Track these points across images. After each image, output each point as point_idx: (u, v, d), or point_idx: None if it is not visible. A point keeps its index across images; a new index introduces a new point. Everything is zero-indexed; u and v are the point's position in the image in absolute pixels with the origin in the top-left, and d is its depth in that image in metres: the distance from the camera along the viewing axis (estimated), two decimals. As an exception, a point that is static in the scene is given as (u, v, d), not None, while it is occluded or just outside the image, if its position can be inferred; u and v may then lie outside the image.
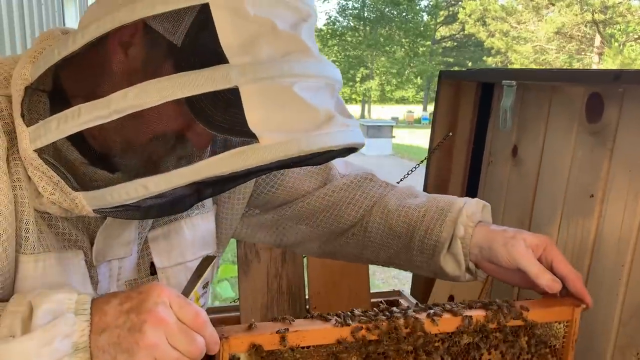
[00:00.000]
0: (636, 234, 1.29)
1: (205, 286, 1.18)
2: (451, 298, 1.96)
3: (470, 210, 1.14)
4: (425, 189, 2.00)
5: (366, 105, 37.98)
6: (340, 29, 37.26)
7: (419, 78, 36.88)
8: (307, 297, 2.00)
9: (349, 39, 36.84)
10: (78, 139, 0.82)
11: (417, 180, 1.94)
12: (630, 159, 1.31)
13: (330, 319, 0.95)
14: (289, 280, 1.95)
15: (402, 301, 2.11)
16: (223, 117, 0.78)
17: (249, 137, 0.74)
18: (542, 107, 1.58)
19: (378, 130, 16.33)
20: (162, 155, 0.83)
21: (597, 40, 26.60)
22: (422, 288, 2.08)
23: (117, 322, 0.75)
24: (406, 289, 2.16)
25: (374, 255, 1.26)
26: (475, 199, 1.18)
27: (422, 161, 2.14)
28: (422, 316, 0.98)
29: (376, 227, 1.21)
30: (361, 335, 0.94)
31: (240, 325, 0.90)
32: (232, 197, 1.16)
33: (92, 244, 0.96)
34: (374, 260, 1.29)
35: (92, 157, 0.85)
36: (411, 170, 2.17)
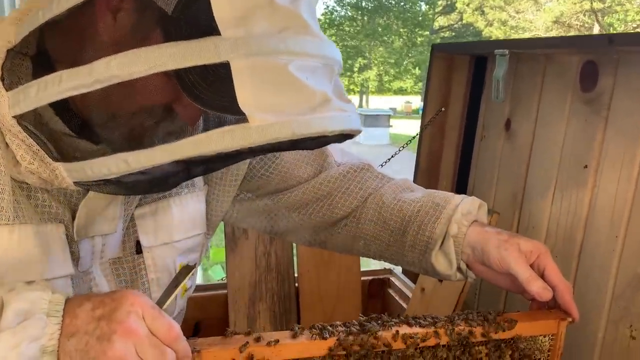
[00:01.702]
0: (630, 204, 1.25)
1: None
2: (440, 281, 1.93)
3: (466, 208, 1.10)
4: (416, 167, 1.96)
5: (364, 96, 37.86)
6: (338, 18, 37.05)
7: (417, 69, 36.74)
8: (296, 275, 1.97)
9: (346, 28, 36.65)
10: (60, 107, 0.78)
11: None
12: (624, 126, 1.27)
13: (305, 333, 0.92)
14: (278, 258, 1.91)
15: (393, 279, 2.08)
16: (212, 94, 0.74)
17: (239, 116, 0.69)
18: (536, 77, 1.54)
19: (375, 119, 16.28)
20: (145, 130, 0.79)
21: (596, 29, 26.51)
22: (414, 267, 2.05)
23: (87, 328, 0.72)
24: (398, 267, 2.13)
25: (365, 247, 1.23)
26: (472, 197, 1.15)
27: (409, 142, 2.10)
28: (402, 329, 0.95)
29: (369, 219, 1.18)
30: (341, 349, 0.91)
31: (215, 338, 0.88)
32: (225, 178, 1.12)
33: (73, 218, 0.92)
34: (365, 252, 1.26)
35: (74, 127, 0.81)
36: (395, 153, 2.14)
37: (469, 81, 1.84)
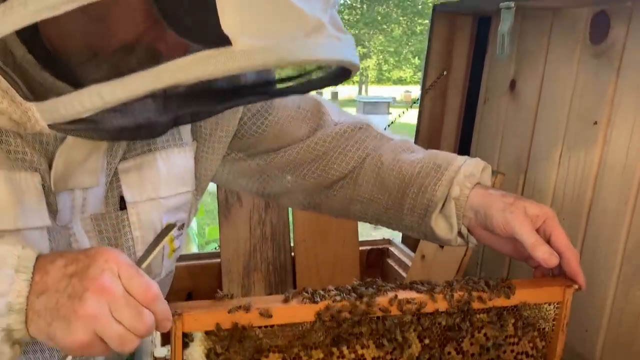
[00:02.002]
0: (643, 160, 1.19)
1: (181, 228, 1.08)
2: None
3: (469, 170, 1.04)
4: (417, 133, 1.90)
5: (363, 86, 37.73)
6: (337, 6, 36.80)
7: (416, 58, 36.57)
8: (292, 245, 1.90)
9: (346, 17, 36.38)
10: (28, 35, 0.70)
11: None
12: (637, 78, 1.20)
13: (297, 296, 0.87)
14: (273, 226, 1.85)
15: (392, 249, 2.02)
16: (192, 17, 0.67)
17: (222, 40, 0.63)
18: (542, 34, 1.47)
19: (374, 106, 16.17)
20: (120, 58, 0.72)
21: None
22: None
23: (59, 285, 0.69)
24: (397, 237, 2.07)
25: (362, 211, 1.17)
26: (476, 158, 1.08)
27: (413, 103, 2.03)
28: (400, 295, 0.89)
29: (367, 181, 1.12)
30: (329, 315, 0.86)
31: (198, 301, 0.84)
32: (214, 134, 1.06)
33: (50, 167, 0.85)
34: (361, 216, 1.19)
35: (45, 59, 0.73)
36: (399, 115, 2.07)
37: (472, 42, 1.77)
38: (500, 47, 1.46)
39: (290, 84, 0.80)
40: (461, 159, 1.07)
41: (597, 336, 1.26)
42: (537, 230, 0.96)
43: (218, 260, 1.84)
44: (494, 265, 1.65)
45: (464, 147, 1.80)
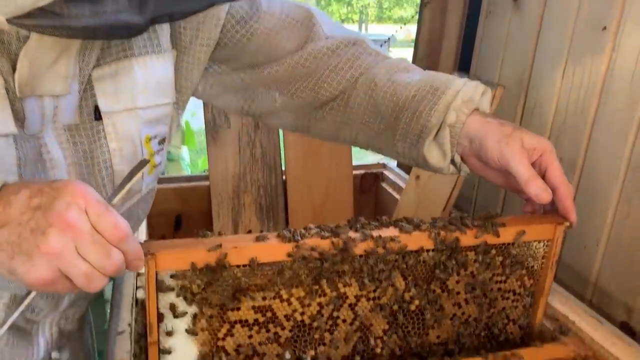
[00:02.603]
0: (654, 66, 1.11)
1: (162, 142, 1.01)
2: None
3: (468, 94, 0.97)
4: (415, 50, 1.80)
5: (363, 25, 36.85)
6: (336, -59, 35.48)
7: (418, -5, 35.50)
8: (283, 168, 1.85)
9: (345, -48, 35.13)
10: None
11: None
12: (653, -24, 1.10)
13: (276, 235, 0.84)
14: (263, 148, 1.79)
15: (386, 173, 1.97)
16: None
17: None
18: None
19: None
20: None
21: None
22: (410, 161, 1.94)
23: (22, 218, 0.65)
24: (392, 161, 2.01)
25: (352, 135, 1.10)
26: (476, 82, 1.00)
27: (406, 22, 1.91)
28: (383, 233, 0.86)
29: (359, 103, 1.05)
30: (310, 254, 0.82)
31: (172, 240, 0.81)
32: (195, 43, 0.98)
33: (15, 70, 0.77)
34: (351, 141, 1.12)
35: None
36: (396, 31, 1.96)
37: (475, -50, 1.65)
38: (505, -52, 1.35)
39: None
40: (460, 82, 0.99)
41: (596, 253, 1.22)
42: (533, 164, 0.92)
43: (207, 182, 1.78)
44: (490, 188, 1.60)
45: (464, 64, 1.71)
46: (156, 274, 0.77)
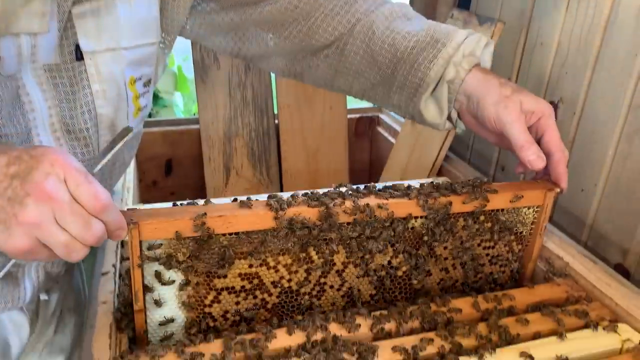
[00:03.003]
0: (664, -2, 1.04)
1: (147, 84, 0.96)
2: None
3: (469, 48, 0.93)
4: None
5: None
6: None
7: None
8: (275, 111, 1.80)
9: None
10: None
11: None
12: None
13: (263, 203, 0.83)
14: (254, 90, 1.73)
15: (382, 117, 1.92)
16: None
17: None
18: None
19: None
20: None
21: None
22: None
23: None
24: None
25: (347, 84, 1.06)
26: (478, 34, 0.95)
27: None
28: (370, 201, 0.85)
29: (355, 52, 1.00)
30: (295, 222, 0.82)
31: (155, 208, 0.80)
32: None
33: None
34: (346, 90, 1.09)
35: None
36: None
37: None
38: None
39: None
40: (462, 34, 0.95)
41: (593, 196, 1.20)
42: (530, 128, 0.90)
43: (197, 126, 1.74)
44: (485, 143, 1.55)
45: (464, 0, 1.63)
46: (140, 243, 0.76)
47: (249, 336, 0.80)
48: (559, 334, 0.83)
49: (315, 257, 0.86)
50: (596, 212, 1.20)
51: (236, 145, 1.75)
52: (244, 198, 0.86)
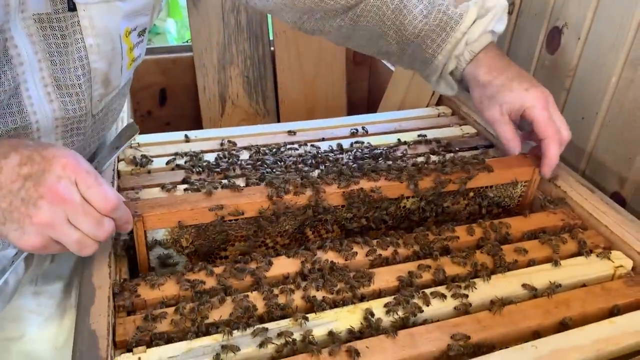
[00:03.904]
0: None
1: (142, 33, 0.91)
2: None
3: (475, 34, 1.01)
4: None
5: None
6: None
7: None
8: (271, 37, 1.74)
9: None
10: None
11: None
12: None
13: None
14: (249, 15, 1.67)
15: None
16: None
17: None
18: None
19: None
20: None
21: None
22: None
23: (12, 186, 0.66)
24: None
25: (359, 48, 1.15)
26: (486, 19, 1.02)
27: None
28: (365, 185, 0.90)
29: (365, 26, 1.03)
30: (291, 206, 0.87)
31: (160, 200, 0.84)
32: None
33: None
34: (358, 50, 1.19)
35: None
36: None
37: None
38: None
39: None
40: (471, 16, 1.01)
41: (594, 124, 1.18)
42: (522, 116, 0.97)
43: (190, 53, 1.69)
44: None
45: None
46: (145, 233, 0.82)
47: (248, 266, 0.81)
48: (553, 261, 0.84)
49: (311, 236, 0.92)
50: (596, 140, 1.18)
51: (231, 73, 1.70)
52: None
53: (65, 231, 0.68)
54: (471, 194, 0.98)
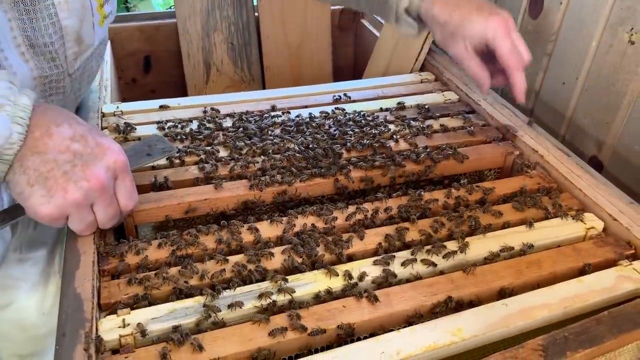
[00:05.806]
0: None
1: None
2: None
3: None
4: None
5: None
6: None
7: None
8: (255, 3, 1.72)
9: None
10: None
11: None
12: None
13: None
14: (232, -20, 1.64)
15: (366, 9, 1.84)
16: None
17: None
18: None
19: None
20: None
21: None
22: None
23: (58, 157, 0.69)
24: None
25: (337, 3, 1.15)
26: None
27: None
28: (354, 174, 0.95)
29: None
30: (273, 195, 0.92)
31: (149, 196, 0.88)
32: None
33: None
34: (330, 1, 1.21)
35: None
36: None
37: None
38: None
39: None
40: None
41: (574, 90, 1.19)
42: (487, 46, 0.94)
43: (174, 20, 1.67)
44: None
45: None
46: (135, 227, 0.88)
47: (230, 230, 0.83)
48: (527, 223, 0.86)
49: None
50: (575, 105, 1.20)
51: (215, 40, 1.69)
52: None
53: (84, 214, 0.73)
54: (446, 180, 1.03)
